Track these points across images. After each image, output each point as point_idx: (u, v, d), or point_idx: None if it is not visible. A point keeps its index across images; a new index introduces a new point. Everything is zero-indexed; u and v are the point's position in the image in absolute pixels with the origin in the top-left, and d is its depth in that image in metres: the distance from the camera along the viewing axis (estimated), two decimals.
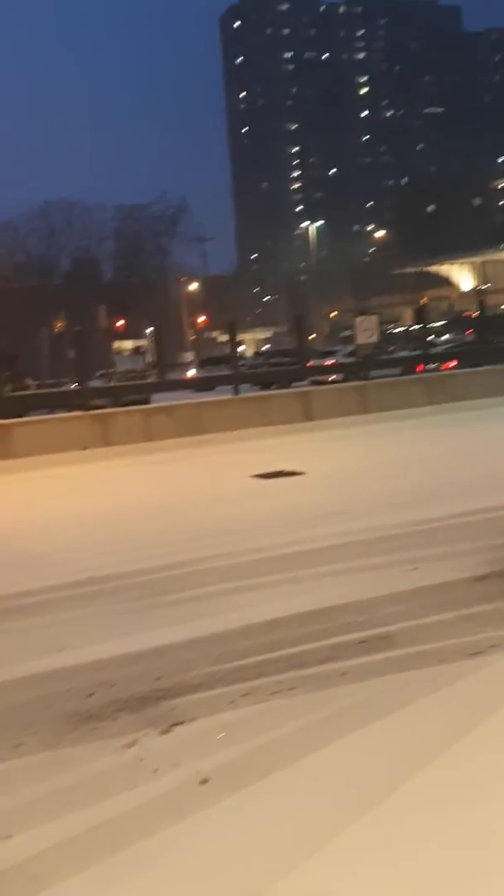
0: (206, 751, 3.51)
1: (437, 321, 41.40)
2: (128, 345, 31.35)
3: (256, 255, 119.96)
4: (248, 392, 19.26)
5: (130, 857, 2.81)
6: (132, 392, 20.09)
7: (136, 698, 4.11)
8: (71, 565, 6.94)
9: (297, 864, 2.68)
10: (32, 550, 7.75)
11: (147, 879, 2.69)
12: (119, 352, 29.06)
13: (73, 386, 19.34)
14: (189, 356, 42.14)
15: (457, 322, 40.37)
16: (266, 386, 24.49)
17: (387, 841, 2.79)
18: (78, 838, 2.95)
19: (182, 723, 3.80)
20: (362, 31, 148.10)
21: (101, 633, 5.14)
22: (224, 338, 35.91)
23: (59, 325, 27.79)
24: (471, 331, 29.39)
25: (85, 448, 14.93)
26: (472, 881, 2.55)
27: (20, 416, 17.44)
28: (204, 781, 3.26)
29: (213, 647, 4.73)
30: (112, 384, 21.32)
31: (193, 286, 69.44)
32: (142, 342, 31.20)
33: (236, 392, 17.60)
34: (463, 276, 74.14)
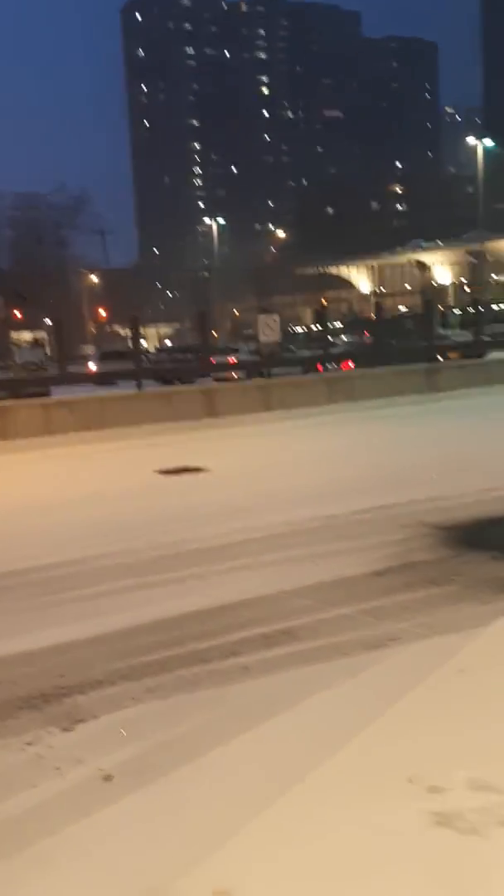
0: (109, 748, 3.48)
1: (337, 322, 42.09)
2: (26, 336, 30.68)
3: (158, 250, 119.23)
4: (151, 388, 19.13)
5: (34, 856, 2.77)
6: (32, 385, 19.70)
7: (38, 696, 4.05)
8: None
9: (201, 859, 2.69)
10: None
11: (51, 878, 2.66)
12: (17, 343, 28.40)
13: None
14: (90, 349, 41.58)
15: (355, 324, 41.16)
16: (169, 382, 24.40)
17: (290, 833, 2.83)
18: None
19: (84, 720, 3.76)
20: (264, 32, 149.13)
21: (1, 630, 5.04)
22: (126, 332, 35.58)
23: None
24: (368, 333, 30.02)
25: None
26: (379, 868, 2.62)
27: None
28: (107, 778, 3.24)
29: (116, 644, 4.69)
30: (11, 376, 20.84)
31: (94, 279, 68.52)
32: (41, 334, 30.58)
33: (139, 387, 17.47)
34: (361, 279, 75.58)
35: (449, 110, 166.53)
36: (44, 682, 4.21)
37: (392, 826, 2.82)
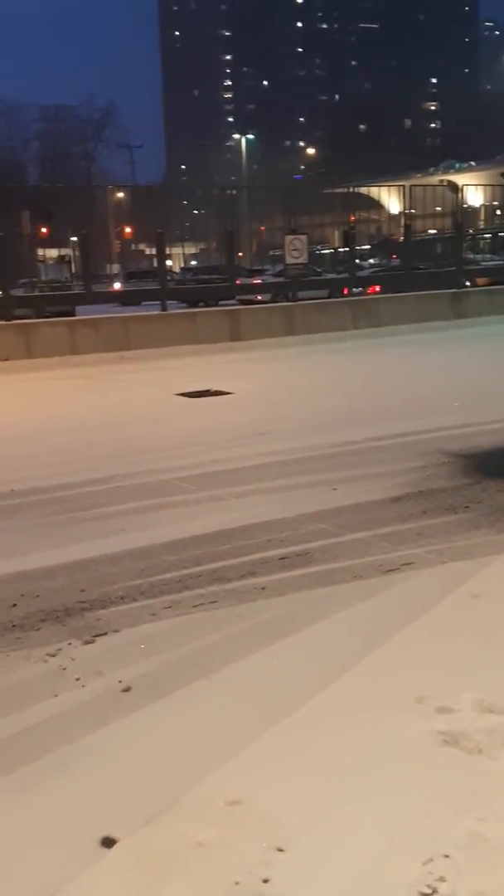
0: (128, 661, 3.60)
1: (365, 244, 41.27)
2: (52, 253, 30.41)
3: (185, 166, 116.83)
4: (175, 308, 19.03)
5: (52, 763, 2.89)
6: (57, 303, 19.61)
7: (60, 609, 4.16)
8: None
9: (214, 769, 2.80)
10: None
11: (69, 783, 2.78)
12: (44, 260, 28.16)
13: None
14: (115, 268, 41.17)
15: (383, 245, 40.38)
16: (193, 303, 24.22)
17: (300, 747, 2.93)
18: (2, 742, 3.01)
19: (105, 633, 3.87)
20: None
21: (25, 546, 5.15)
22: (151, 251, 35.13)
23: None
24: (395, 256, 29.47)
25: (6, 359, 14.62)
26: (385, 783, 2.71)
27: None
28: (126, 690, 3.35)
29: (136, 562, 4.79)
30: (36, 294, 20.74)
31: (120, 195, 67.42)
32: (67, 251, 30.27)
33: (164, 308, 17.37)
34: (391, 199, 73.79)
35: (489, 24, 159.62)
36: (66, 596, 4.33)
37: (399, 744, 2.91)
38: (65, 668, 3.55)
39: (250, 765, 2.83)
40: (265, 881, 2.29)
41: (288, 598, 4.19)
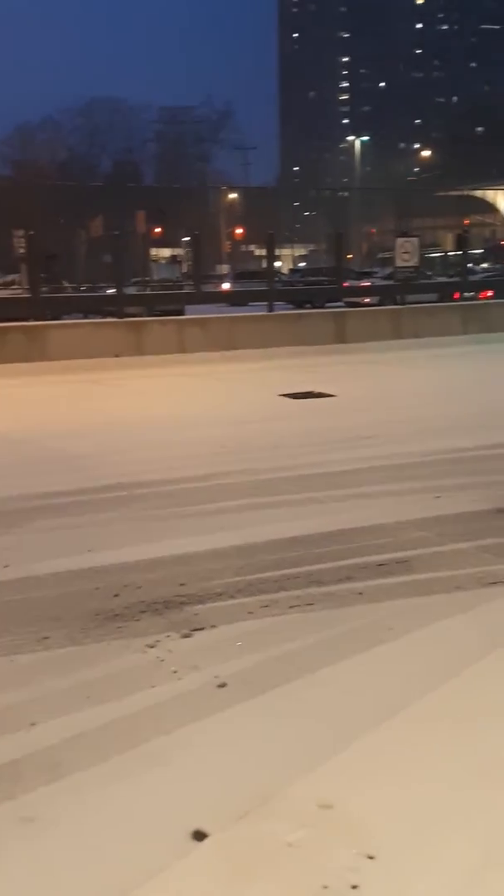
0: (224, 657, 3.63)
1: (478, 248, 40.40)
2: (165, 253, 31.00)
3: (298, 167, 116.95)
4: (282, 310, 19.09)
5: (146, 753, 2.94)
6: (167, 302, 19.97)
7: (160, 602, 4.23)
8: (100, 470, 7.06)
9: (307, 771, 2.80)
10: (64, 452, 7.88)
11: (162, 774, 2.82)
12: (156, 259, 28.74)
13: (108, 291, 19.24)
14: (224, 269, 41.60)
15: (496, 250, 39.48)
16: (300, 304, 24.25)
17: (397, 755, 2.89)
18: (98, 731, 3.08)
19: (202, 628, 3.92)
20: None
21: (128, 538, 5.27)
22: (261, 252, 35.37)
23: (97, 227, 27.48)
24: None
25: (117, 355, 14.97)
26: (484, 798, 2.66)
27: (55, 318, 17.47)
28: (221, 686, 3.38)
29: (234, 559, 4.83)
30: (147, 292, 21.16)
31: (233, 196, 68.07)
32: (178, 251, 30.82)
33: (270, 309, 17.45)
34: None
35: None
36: (165, 589, 4.40)
37: (500, 756, 2.84)
38: (162, 660, 3.61)
39: (344, 769, 2.81)
40: (354, 887, 2.28)
41: (386, 604, 4.15)
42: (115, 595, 4.33)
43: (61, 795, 2.70)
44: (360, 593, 4.29)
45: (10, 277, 22.99)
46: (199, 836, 2.52)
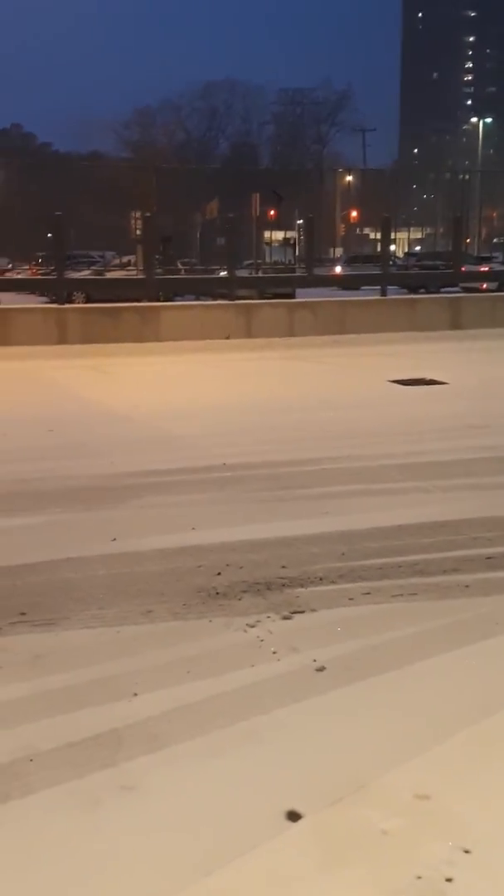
0: (323, 641, 3.63)
1: None
2: (278, 235, 30.96)
3: (418, 150, 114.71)
4: (396, 294, 18.82)
5: (243, 731, 2.97)
6: (278, 285, 19.97)
7: (261, 583, 4.26)
8: (207, 450, 7.15)
9: (404, 761, 2.77)
10: (172, 432, 8.01)
11: (259, 753, 2.84)
12: (269, 242, 28.72)
13: (221, 274, 19.38)
14: (338, 252, 41.25)
15: None
16: (414, 289, 23.86)
17: (498, 751, 2.83)
18: (196, 705, 3.13)
19: (303, 611, 3.93)
20: None
21: (232, 518, 5.31)
22: (375, 235, 34.90)
23: (213, 209, 27.70)
24: None
25: (227, 337, 15.08)
26: None
27: (169, 299, 17.74)
28: (320, 669, 3.38)
29: (338, 545, 4.81)
30: (259, 275, 21.22)
31: (349, 179, 67.31)
32: (292, 234, 30.73)
33: (383, 293, 17.22)
34: None
35: None
36: (268, 570, 4.42)
37: None
38: (262, 641, 3.64)
39: (442, 761, 2.77)
40: (448, 880, 2.25)
41: (492, 598, 4.06)
42: (218, 574, 4.38)
43: (160, 766, 2.76)
44: (467, 586, 4.21)
45: (126, 258, 23.44)
46: (294, 816, 2.53)
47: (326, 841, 2.41)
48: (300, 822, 2.50)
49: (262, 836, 2.43)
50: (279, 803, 2.57)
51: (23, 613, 3.91)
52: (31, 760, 2.78)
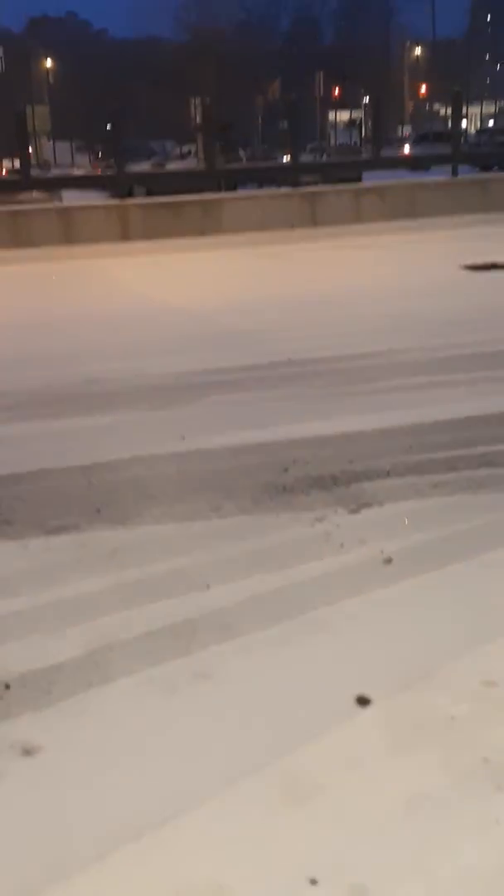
0: (391, 534, 3.66)
1: None
2: (343, 116, 29.79)
3: (490, 17, 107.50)
4: (468, 174, 18.03)
5: (312, 620, 3.05)
6: (344, 169, 19.33)
7: (328, 477, 4.29)
8: (271, 346, 7.11)
9: (471, 650, 2.82)
10: (235, 328, 7.97)
11: (328, 642, 2.93)
12: (334, 124, 27.71)
13: (283, 160, 18.82)
14: (406, 130, 39.57)
15: None
16: (487, 168, 22.82)
17: None
18: (266, 596, 3.22)
19: (370, 505, 3.96)
20: None
21: (298, 414, 5.32)
22: (446, 111, 33.32)
23: (274, 91, 26.72)
24: None
25: (292, 227, 14.76)
26: None
27: (231, 189, 17.36)
28: (387, 561, 3.43)
29: (404, 438, 4.79)
30: (324, 160, 20.55)
31: (418, 51, 63.88)
32: (358, 114, 29.55)
33: (454, 173, 16.53)
34: None
35: None
36: (334, 465, 4.45)
37: None
38: (329, 534, 3.69)
39: None
40: None
41: None
42: (285, 469, 4.42)
43: (233, 655, 2.87)
44: None
45: (186, 148, 22.92)
46: (363, 701, 2.62)
47: (397, 725, 2.50)
48: (370, 706, 2.58)
49: (333, 720, 2.52)
50: (349, 689, 2.65)
51: (98, 511, 4.03)
52: (111, 650, 2.91)
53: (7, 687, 2.74)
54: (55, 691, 2.71)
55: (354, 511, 3.90)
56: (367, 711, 2.57)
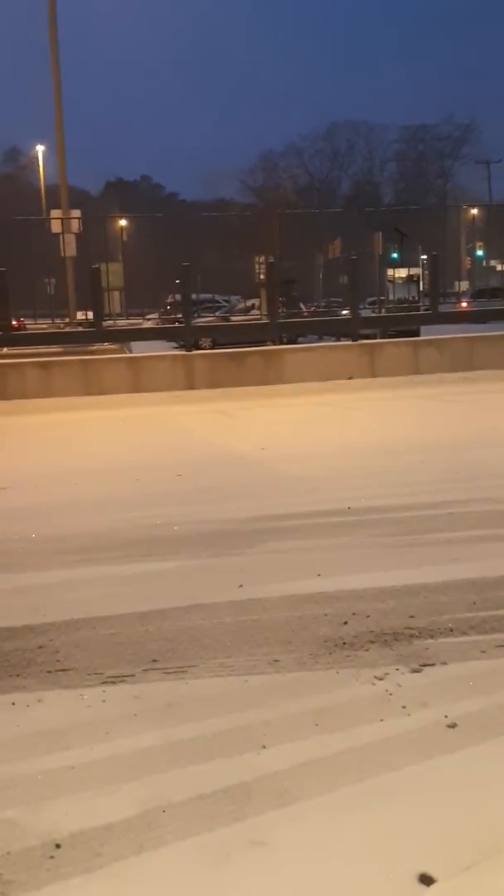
0: (455, 696, 3.54)
1: None
2: (401, 273, 30.84)
3: None
4: None
5: (372, 788, 2.92)
6: (402, 322, 19.87)
7: (389, 633, 4.21)
8: (332, 493, 7.14)
9: None
10: (296, 475, 8.05)
11: (389, 811, 2.79)
12: (392, 280, 28.67)
13: (343, 313, 19.46)
14: (463, 285, 40.65)
15: None
16: None
17: None
18: (325, 760, 3.11)
19: (433, 664, 3.85)
20: None
21: (358, 564, 5.28)
22: (503, 267, 34.28)
23: (335, 249, 27.94)
24: None
25: (350, 377, 15.10)
26: None
27: (293, 341, 17.94)
28: (451, 726, 3.30)
29: (467, 593, 4.70)
30: (382, 314, 21.18)
31: (474, 212, 66.43)
32: (416, 271, 30.56)
33: None
34: None
35: None
36: (395, 620, 4.36)
37: None
38: (391, 694, 3.59)
39: None
40: None
41: None
42: (344, 623, 4.35)
43: (289, 822, 2.75)
44: None
45: (251, 302, 23.88)
46: (427, 880, 2.47)
47: None
48: (433, 886, 2.43)
49: None
50: (411, 866, 2.51)
51: (154, 661, 3.99)
52: (164, 812, 2.82)
53: (58, 846, 2.66)
54: (106, 853, 2.62)
55: (416, 670, 3.80)
56: (431, 891, 2.42)
